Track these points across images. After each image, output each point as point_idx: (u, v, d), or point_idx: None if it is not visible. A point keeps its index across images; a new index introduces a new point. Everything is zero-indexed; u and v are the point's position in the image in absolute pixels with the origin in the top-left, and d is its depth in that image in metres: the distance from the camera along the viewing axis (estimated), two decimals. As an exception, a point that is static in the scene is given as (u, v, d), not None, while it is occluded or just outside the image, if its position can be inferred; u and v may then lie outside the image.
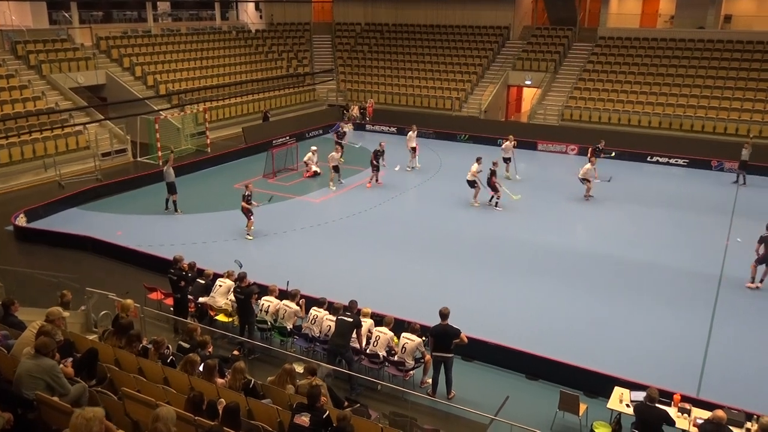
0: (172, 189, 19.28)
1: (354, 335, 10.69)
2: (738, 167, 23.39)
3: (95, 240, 16.54)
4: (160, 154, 24.41)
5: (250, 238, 17.37)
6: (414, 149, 24.58)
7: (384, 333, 10.68)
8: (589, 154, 22.80)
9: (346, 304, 10.98)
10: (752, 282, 14.72)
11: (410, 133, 24.69)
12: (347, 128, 29.31)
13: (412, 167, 24.62)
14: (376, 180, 22.47)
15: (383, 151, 22.67)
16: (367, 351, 10.74)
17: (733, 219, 19.39)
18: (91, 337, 9.98)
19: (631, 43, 32.55)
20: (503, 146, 23.48)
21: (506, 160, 23.36)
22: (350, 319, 10.52)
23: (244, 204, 17.43)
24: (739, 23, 32.05)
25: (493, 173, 20.04)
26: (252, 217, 17.53)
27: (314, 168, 23.79)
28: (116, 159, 24.87)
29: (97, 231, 17.22)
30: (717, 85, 28.77)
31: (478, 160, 20.22)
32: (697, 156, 25.33)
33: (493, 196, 20.18)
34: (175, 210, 19.43)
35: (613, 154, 24.67)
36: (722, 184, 23.26)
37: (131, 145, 25.57)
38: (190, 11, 42.96)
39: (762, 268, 14.63)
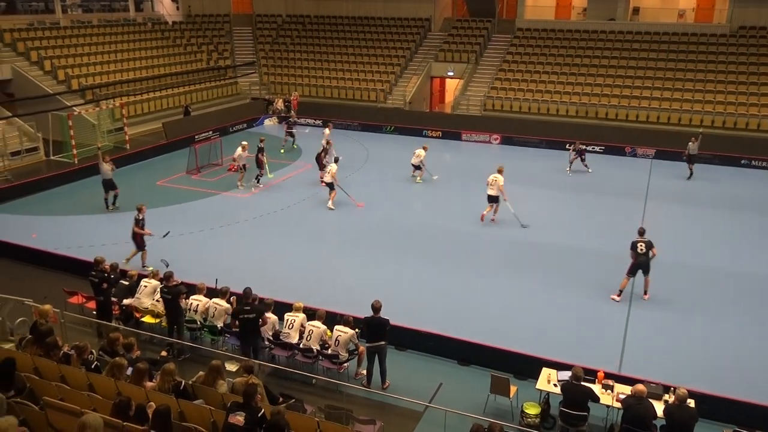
0: (108, 186, 18.75)
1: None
2: (687, 160, 23.01)
3: (8, 244, 15.73)
4: (75, 152, 23.33)
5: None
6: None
7: (317, 327, 10.66)
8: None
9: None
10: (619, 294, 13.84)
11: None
12: (272, 121, 28.63)
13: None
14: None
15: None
16: (301, 346, 10.70)
17: (647, 202, 20.40)
18: (8, 346, 9.56)
19: (548, 35, 33.56)
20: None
21: (333, 158, 21.17)
22: (251, 315, 10.49)
23: (136, 229, 14.84)
24: (646, 15, 33.68)
25: (260, 150, 21.30)
26: (145, 247, 14.95)
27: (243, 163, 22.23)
28: (27, 158, 23.60)
29: (10, 234, 16.39)
30: (628, 75, 30.06)
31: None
32: (611, 143, 26.44)
33: (259, 175, 21.45)
34: (113, 205, 18.95)
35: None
36: (636, 169, 24.34)
37: (43, 143, 24.32)
38: (101, 2, 41.09)
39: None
